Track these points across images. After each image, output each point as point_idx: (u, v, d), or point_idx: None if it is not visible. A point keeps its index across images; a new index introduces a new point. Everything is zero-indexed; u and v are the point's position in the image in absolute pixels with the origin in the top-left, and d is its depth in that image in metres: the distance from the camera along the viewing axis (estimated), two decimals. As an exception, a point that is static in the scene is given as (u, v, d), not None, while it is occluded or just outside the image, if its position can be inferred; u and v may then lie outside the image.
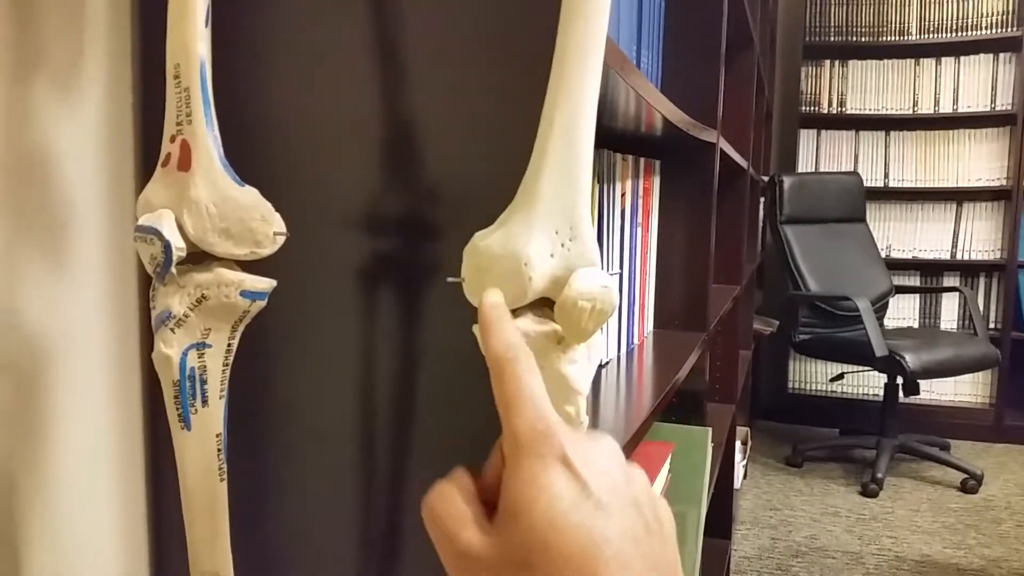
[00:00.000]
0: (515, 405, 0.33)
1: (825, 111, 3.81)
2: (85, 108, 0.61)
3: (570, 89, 0.42)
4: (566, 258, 0.42)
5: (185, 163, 0.48)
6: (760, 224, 3.50)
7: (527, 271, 0.41)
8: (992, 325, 3.64)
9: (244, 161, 0.62)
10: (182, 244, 0.48)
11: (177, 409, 0.50)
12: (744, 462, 2.93)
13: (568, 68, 0.42)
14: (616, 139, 1.40)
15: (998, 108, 3.55)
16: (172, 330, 0.48)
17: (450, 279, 0.45)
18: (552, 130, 0.42)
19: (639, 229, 1.35)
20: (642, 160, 1.36)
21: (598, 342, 0.43)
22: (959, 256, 3.66)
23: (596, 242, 0.43)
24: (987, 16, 3.53)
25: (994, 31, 3.51)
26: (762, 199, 3.45)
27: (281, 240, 0.50)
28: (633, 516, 0.32)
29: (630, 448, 0.85)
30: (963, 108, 3.60)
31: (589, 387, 0.42)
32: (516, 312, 0.43)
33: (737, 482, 2.64)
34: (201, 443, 0.51)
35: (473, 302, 0.44)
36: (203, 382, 0.50)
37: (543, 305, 0.43)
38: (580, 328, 0.41)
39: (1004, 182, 3.56)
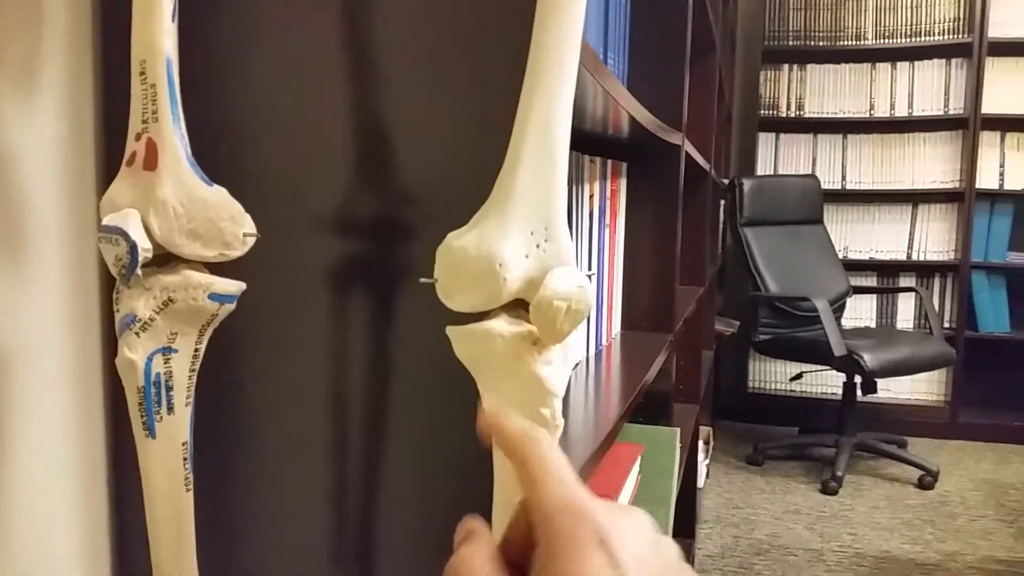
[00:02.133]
0: (544, 485, 0.32)
1: (784, 115, 3.86)
2: (44, 109, 0.59)
3: (546, 88, 0.42)
4: (541, 259, 0.42)
5: (151, 162, 0.47)
6: (721, 226, 3.54)
7: (502, 272, 0.40)
8: (947, 324, 3.72)
9: (217, 161, 0.61)
10: (148, 245, 0.46)
11: (142, 416, 0.49)
12: (707, 461, 2.96)
13: (544, 67, 0.42)
14: (584, 141, 1.40)
15: (951, 112, 3.63)
16: (137, 334, 0.47)
17: (423, 280, 0.45)
18: (527, 129, 0.41)
19: (607, 231, 1.36)
20: (609, 162, 1.37)
21: (574, 343, 0.43)
22: (915, 257, 3.74)
23: (571, 243, 0.42)
24: (940, 23, 3.61)
25: (947, 36, 3.59)
26: (722, 201, 3.49)
27: (251, 241, 0.49)
28: None
29: (602, 451, 0.85)
30: (917, 112, 3.68)
31: (565, 389, 0.42)
32: (490, 314, 0.43)
33: (700, 481, 2.66)
34: (166, 452, 0.49)
35: (446, 303, 0.43)
36: (169, 388, 0.49)
37: (518, 307, 0.43)
38: (555, 329, 0.40)
39: (956, 184, 3.64)
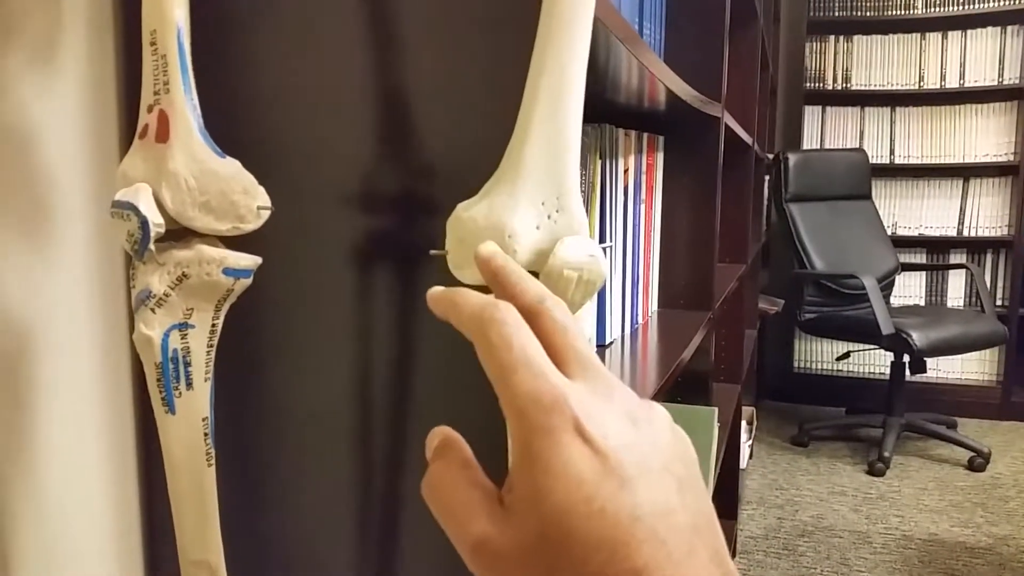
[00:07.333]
0: (510, 373, 0.29)
1: (830, 87, 3.76)
2: (65, 82, 0.59)
3: (557, 54, 0.40)
4: (552, 230, 0.40)
5: (163, 134, 0.47)
6: (765, 202, 3.47)
7: (511, 243, 0.39)
8: (999, 302, 3.61)
9: (237, 133, 0.61)
10: (160, 219, 0.46)
11: (160, 392, 0.49)
12: (750, 442, 2.92)
13: (555, 32, 0.40)
14: (619, 114, 1.38)
15: (1005, 82, 3.50)
16: (152, 310, 0.47)
17: (433, 252, 0.44)
18: (538, 97, 0.40)
19: (643, 206, 1.33)
20: (645, 135, 1.34)
21: (586, 316, 0.42)
22: (966, 233, 3.63)
23: (584, 214, 0.41)
24: (995, -12, 3.48)
25: (1001, 3, 3.46)
26: (767, 177, 3.42)
27: (266, 215, 0.49)
28: (664, 482, 0.28)
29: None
30: (970, 83, 3.55)
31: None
32: (503, 286, 0.41)
33: (743, 462, 2.63)
34: (187, 427, 0.50)
35: (456, 275, 0.42)
36: (187, 364, 0.48)
37: (531, 278, 0.42)
38: (567, 300, 0.39)
39: (1011, 157, 3.52)
